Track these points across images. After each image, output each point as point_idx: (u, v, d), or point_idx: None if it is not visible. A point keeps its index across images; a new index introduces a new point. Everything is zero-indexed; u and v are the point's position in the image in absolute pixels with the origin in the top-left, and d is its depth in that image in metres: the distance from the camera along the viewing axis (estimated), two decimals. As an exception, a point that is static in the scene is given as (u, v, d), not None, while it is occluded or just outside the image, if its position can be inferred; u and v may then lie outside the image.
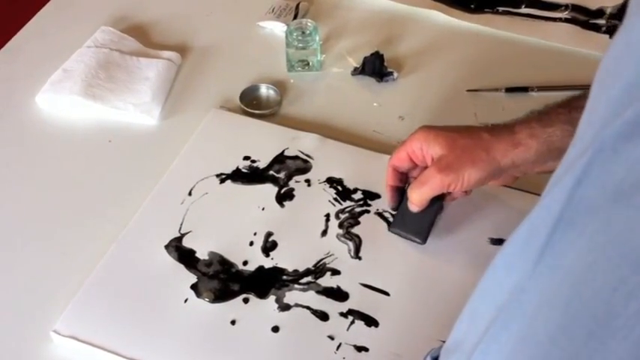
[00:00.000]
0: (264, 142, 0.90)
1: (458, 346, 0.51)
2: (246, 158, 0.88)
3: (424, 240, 0.77)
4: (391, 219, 0.80)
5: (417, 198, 0.74)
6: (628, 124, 0.35)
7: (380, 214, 0.81)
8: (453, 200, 0.78)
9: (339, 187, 0.84)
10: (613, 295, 0.35)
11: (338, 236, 0.80)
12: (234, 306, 0.74)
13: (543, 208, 0.41)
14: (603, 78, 0.41)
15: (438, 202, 0.76)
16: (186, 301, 0.74)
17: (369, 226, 0.80)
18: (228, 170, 0.86)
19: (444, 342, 0.56)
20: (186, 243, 0.79)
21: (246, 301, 0.74)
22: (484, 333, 0.44)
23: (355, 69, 1.01)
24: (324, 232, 0.80)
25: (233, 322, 0.72)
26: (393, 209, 0.79)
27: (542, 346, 0.39)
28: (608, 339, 0.35)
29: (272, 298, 0.74)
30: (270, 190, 0.85)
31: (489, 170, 0.71)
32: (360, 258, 0.78)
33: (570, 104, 0.72)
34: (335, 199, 0.83)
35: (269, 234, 0.80)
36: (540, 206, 0.41)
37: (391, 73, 0.99)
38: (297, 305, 0.74)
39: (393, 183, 0.78)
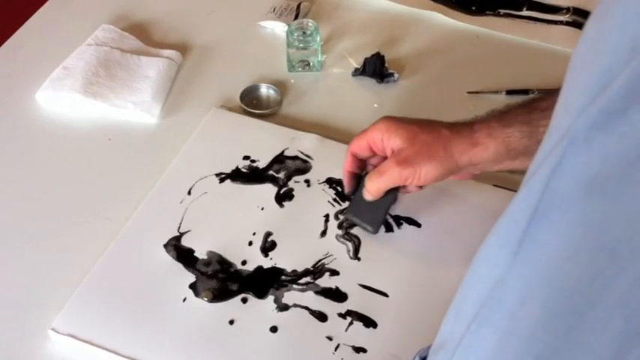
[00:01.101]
0: (263, 141, 0.90)
1: (444, 343, 0.51)
2: (246, 158, 0.88)
3: (376, 229, 0.78)
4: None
5: (374, 188, 0.75)
6: (601, 113, 0.35)
7: (379, 215, 0.81)
8: (408, 193, 0.79)
9: (339, 188, 0.84)
10: (591, 286, 0.35)
11: (337, 237, 0.79)
12: (232, 306, 0.73)
13: (521, 199, 0.41)
14: (577, 67, 0.40)
15: (392, 193, 0.76)
16: (184, 300, 0.74)
17: (369, 227, 0.80)
18: (228, 170, 0.86)
19: None
20: (185, 242, 0.79)
21: (244, 300, 0.74)
22: (467, 328, 0.44)
23: (356, 70, 1.01)
24: (324, 233, 0.80)
25: (231, 322, 0.72)
26: (349, 195, 0.80)
27: (525, 340, 0.39)
28: (587, 331, 0.35)
29: (270, 298, 0.74)
30: (269, 190, 0.84)
31: (446, 167, 0.72)
32: (359, 259, 0.78)
33: (530, 105, 0.72)
34: (334, 200, 0.83)
35: (268, 234, 0.80)
36: (518, 198, 0.41)
37: (392, 75, 0.99)
38: (295, 305, 0.73)
39: (351, 169, 0.78)
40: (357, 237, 0.79)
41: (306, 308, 0.73)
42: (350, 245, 0.79)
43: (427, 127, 0.73)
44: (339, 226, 0.80)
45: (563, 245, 0.37)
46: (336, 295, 0.74)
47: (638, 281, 0.33)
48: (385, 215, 0.78)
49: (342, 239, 0.79)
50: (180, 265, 0.77)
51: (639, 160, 0.33)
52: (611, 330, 0.34)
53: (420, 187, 0.76)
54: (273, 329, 0.72)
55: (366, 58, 1.00)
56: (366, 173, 0.77)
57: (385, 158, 0.74)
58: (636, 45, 0.34)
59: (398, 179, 0.72)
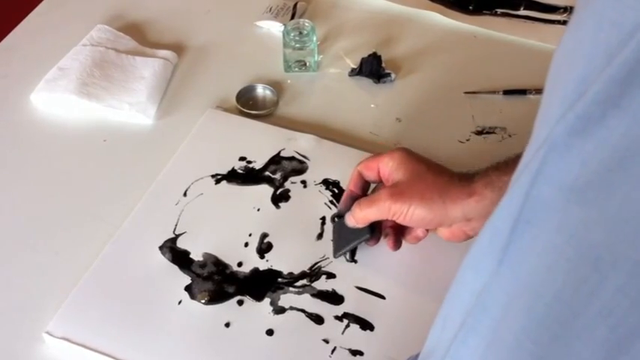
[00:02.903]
0: (260, 142, 0.89)
1: (432, 351, 0.50)
2: (242, 159, 0.87)
3: (335, 256, 0.77)
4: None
5: (361, 215, 0.72)
6: (578, 119, 0.34)
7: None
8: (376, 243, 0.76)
9: (335, 190, 0.84)
10: (574, 295, 0.34)
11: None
12: (228, 308, 0.73)
13: (503, 207, 0.40)
14: (556, 75, 0.40)
15: (373, 232, 0.74)
16: (180, 302, 0.73)
17: (365, 229, 0.80)
18: (224, 171, 0.86)
19: None
20: (181, 244, 0.78)
21: (240, 303, 0.73)
22: (454, 337, 0.44)
23: (352, 70, 1.00)
24: (320, 236, 0.79)
25: (227, 325, 0.72)
26: (341, 213, 0.76)
27: (511, 350, 0.38)
28: (573, 340, 0.35)
29: (267, 300, 0.74)
30: (265, 191, 0.84)
31: (436, 213, 0.69)
32: (355, 261, 0.77)
33: None
34: (331, 202, 0.82)
35: (264, 235, 0.79)
36: (501, 206, 0.41)
37: (389, 75, 0.98)
38: (291, 308, 0.73)
39: (354, 188, 0.76)
40: (353, 239, 0.79)
41: (303, 311, 0.73)
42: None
43: (433, 170, 0.71)
44: (335, 229, 0.80)
45: (545, 253, 0.36)
46: (333, 297, 0.74)
47: (623, 289, 0.32)
48: (350, 248, 0.76)
49: (338, 241, 0.79)
50: (175, 267, 0.76)
51: (618, 165, 0.33)
52: (597, 339, 0.34)
53: (397, 245, 0.74)
54: (270, 332, 0.71)
55: (362, 58, 0.99)
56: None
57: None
58: (611, 52, 0.33)
59: (387, 212, 0.70)
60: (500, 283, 0.40)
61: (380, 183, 0.76)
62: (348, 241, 0.75)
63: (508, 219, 0.39)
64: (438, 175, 0.71)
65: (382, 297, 0.74)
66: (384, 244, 0.77)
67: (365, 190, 0.77)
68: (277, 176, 0.85)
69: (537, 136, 0.40)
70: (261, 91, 0.97)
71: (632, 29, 0.33)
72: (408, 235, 0.75)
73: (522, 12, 1.10)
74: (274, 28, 1.07)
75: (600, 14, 0.35)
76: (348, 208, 0.75)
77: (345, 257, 0.77)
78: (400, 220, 0.71)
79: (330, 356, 0.69)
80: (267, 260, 0.77)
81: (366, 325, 0.72)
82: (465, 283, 0.45)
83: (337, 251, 0.77)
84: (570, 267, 0.35)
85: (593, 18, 0.36)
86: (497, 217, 0.41)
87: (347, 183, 0.77)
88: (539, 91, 0.97)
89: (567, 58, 0.39)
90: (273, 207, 0.82)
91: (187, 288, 0.74)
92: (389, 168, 0.73)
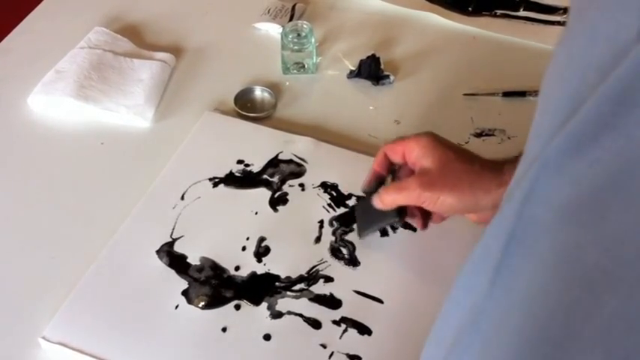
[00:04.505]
0: (258, 145, 0.89)
1: None
2: (240, 162, 0.87)
3: (361, 237, 0.77)
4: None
5: (389, 200, 0.72)
6: (571, 139, 0.34)
7: (374, 220, 0.80)
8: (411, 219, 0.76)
9: (334, 193, 0.83)
10: (568, 317, 0.34)
11: (331, 243, 0.78)
12: (225, 313, 0.72)
13: (495, 226, 0.40)
14: (549, 87, 0.40)
15: (400, 214, 0.73)
16: (177, 307, 0.73)
17: (364, 232, 0.79)
18: (222, 174, 0.85)
19: None
20: (178, 248, 0.78)
21: (237, 307, 0.73)
22: (447, 355, 0.43)
23: (351, 72, 1.00)
24: (318, 239, 0.79)
25: (224, 330, 0.71)
26: (365, 192, 0.76)
27: None
28: None
29: (264, 305, 0.73)
30: (263, 194, 0.83)
31: (465, 203, 0.69)
32: (353, 265, 0.77)
33: None
34: (329, 205, 0.82)
35: (262, 239, 0.79)
36: (493, 224, 0.40)
37: (387, 77, 0.98)
38: (289, 313, 0.72)
39: (379, 169, 0.75)
40: (351, 243, 0.78)
41: (300, 315, 0.72)
42: (344, 251, 0.78)
43: (463, 157, 0.70)
44: (334, 233, 0.79)
45: (538, 274, 0.36)
46: (331, 301, 0.73)
47: (619, 312, 0.32)
48: (376, 230, 0.76)
49: (335, 245, 0.78)
50: (172, 272, 0.76)
51: (612, 186, 0.32)
52: None
53: (425, 225, 0.75)
54: (267, 337, 0.71)
55: (361, 60, 0.99)
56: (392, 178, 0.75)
57: (411, 172, 0.72)
58: (604, 68, 0.33)
59: (416, 199, 0.70)
60: (493, 303, 0.39)
61: (405, 164, 0.75)
62: (374, 222, 0.75)
63: (500, 238, 0.38)
64: (468, 163, 0.70)
65: (380, 301, 0.74)
66: (384, 247, 0.77)
67: (389, 170, 0.76)
68: (275, 179, 0.85)
69: (530, 150, 0.39)
70: (260, 93, 0.97)
71: (626, 46, 0.32)
72: (434, 215, 0.75)
73: (522, 13, 1.09)
74: (272, 29, 1.06)
75: (593, 29, 0.34)
76: (373, 188, 0.75)
77: (344, 259, 0.76)
78: (429, 208, 0.70)
79: (327, 361, 0.69)
80: (264, 264, 0.77)
81: (363, 330, 0.71)
82: (457, 302, 0.44)
83: (363, 231, 0.77)
84: (564, 288, 0.34)
85: (586, 32, 0.35)
86: (489, 235, 0.40)
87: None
88: (538, 93, 0.96)
89: (560, 71, 0.38)
90: (270, 210, 0.82)
91: (184, 292, 0.74)
92: (415, 153, 0.71)
